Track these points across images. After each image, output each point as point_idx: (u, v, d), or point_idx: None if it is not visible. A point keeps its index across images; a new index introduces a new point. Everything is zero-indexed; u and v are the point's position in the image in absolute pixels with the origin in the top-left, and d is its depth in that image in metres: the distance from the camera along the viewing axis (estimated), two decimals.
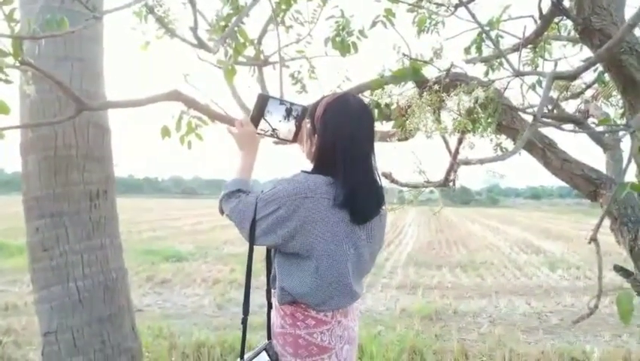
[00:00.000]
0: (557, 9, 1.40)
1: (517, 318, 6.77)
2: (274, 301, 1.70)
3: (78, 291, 2.52)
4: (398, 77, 1.52)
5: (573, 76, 1.15)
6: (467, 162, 0.67)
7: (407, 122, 0.74)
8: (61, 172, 2.49)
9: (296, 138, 1.78)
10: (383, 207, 1.74)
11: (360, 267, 1.69)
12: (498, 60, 2.61)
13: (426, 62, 1.65)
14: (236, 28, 1.71)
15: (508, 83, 1.69)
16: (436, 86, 1.44)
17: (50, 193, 2.48)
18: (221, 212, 1.73)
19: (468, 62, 1.96)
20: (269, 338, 1.76)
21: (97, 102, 2.28)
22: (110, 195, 2.68)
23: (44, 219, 2.49)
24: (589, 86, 2.71)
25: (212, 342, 4.96)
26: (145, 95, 1.68)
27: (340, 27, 2.09)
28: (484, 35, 2.81)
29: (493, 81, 1.49)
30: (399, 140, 0.98)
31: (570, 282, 9.38)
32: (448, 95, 0.85)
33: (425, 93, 1.21)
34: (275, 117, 1.76)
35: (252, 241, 1.60)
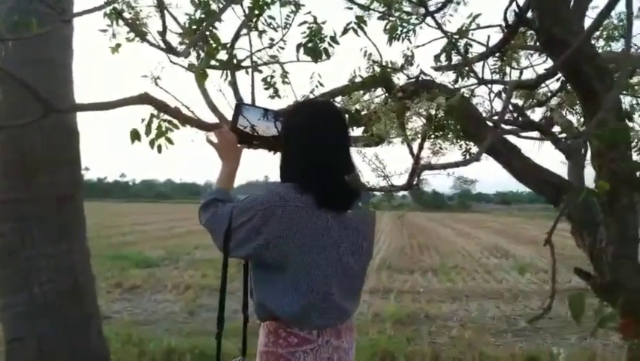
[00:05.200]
0: (520, 20, 1.45)
1: (486, 321, 6.88)
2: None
3: (44, 296, 2.46)
4: (368, 84, 1.55)
5: (534, 85, 1.19)
6: (430, 167, 0.69)
7: (373, 128, 0.76)
8: (28, 175, 2.44)
9: (277, 146, 1.75)
10: (369, 215, 1.69)
11: (347, 281, 1.60)
12: (467, 68, 2.67)
13: (395, 70, 1.68)
14: (207, 33, 1.71)
15: (473, 90, 1.74)
16: (400, 93, 1.47)
17: (16, 197, 2.43)
18: (200, 222, 1.69)
19: (437, 69, 2.00)
20: (243, 353, 1.73)
21: (65, 105, 2.25)
22: (77, 199, 2.63)
23: (9, 223, 2.43)
24: (554, 95, 2.79)
25: (183, 348, 4.90)
26: (115, 97, 1.67)
27: (312, 33, 2.10)
28: (454, 43, 2.89)
29: (459, 89, 1.52)
30: (365, 145, 0.99)
31: (538, 285, 9.59)
32: (412, 102, 0.87)
33: (390, 100, 1.24)
34: (256, 125, 1.75)
35: (226, 252, 1.55)
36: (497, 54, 2.65)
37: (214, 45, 2.10)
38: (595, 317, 0.74)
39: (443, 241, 19.67)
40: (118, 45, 2.92)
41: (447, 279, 10.32)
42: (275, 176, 1.64)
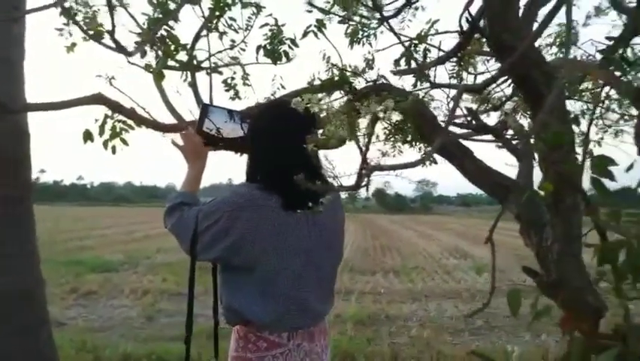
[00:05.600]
0: (473, 26, 1.49)
1: (445, 321, 7.02)
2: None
3: None
4: (327, 86, 1.56)
5: (481, 89, 1.23)
6: (379, 168, 0.71)
7: (326, 130, 0.77)
8: None
9: (243, 148, 1.74)
10: (338, 214, 1.69)
11: (318, 282, 1.60)
12: (424, 72, 2.73)
13: (355, 73, 1.71)
14: (164, 33, 1.68)
15: (426, 93, 1.78)
16: (353, 96, 1.49)
17: None
18: (165, 227, 1.66)
19: (395, 73, 2.04)
20: (216, 356, 1.71)
21: (18, 105, 2.17)
22: (26, 202, 2.54)
23: None
24: (508, 99, 2.88)
25: (139, 354, 4.79)
26: (68, 97, 1.63)
27: (273, 35, 2.11)
28: (412, 48, 2.95)
29: (410, 92, 1.56)
30: (319, 147, 1.00)
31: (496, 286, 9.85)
32: (362, 105, 0.89)
33: (338, 102, 1.26)
34: (222, 127, 1.74)
35: (193, 256, 1.53)
36: (455, 59, 2.72)
37: (173, 46, 2.07)
38: (531, 311, 0.77)
39: (405, 242, 19.95)
40: (73, 44, 2.84)
41: (408, 280, 10.47)
42: (240, 178, 1.64)
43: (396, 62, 2.93)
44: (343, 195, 2.27)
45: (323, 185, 0.80)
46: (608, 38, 1.68)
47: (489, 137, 2.21)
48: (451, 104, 2.69)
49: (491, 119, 3.28)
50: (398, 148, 3.69)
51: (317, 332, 1.61)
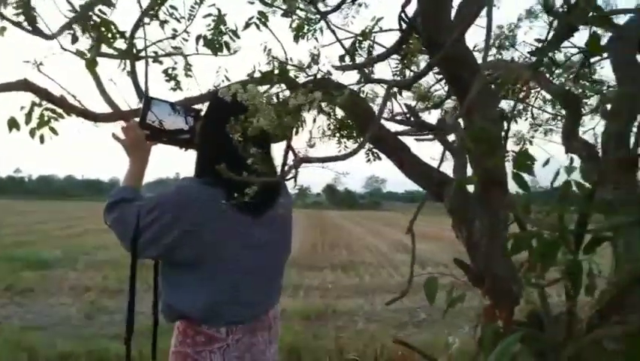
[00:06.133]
0: (408, 25, 1.53)
1: (390, 315, 7.16)
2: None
3: None
4: (266, 79, 1.56)
5: (409, 85, 1.26)
6: (307, 160, 0.71)
7: (250, 122, 0.76)
8: None
9: (188, 142, 1.69)
10: (286, 209, 1.66)
11: (263, 277, 1.58)
12: (370, 69, 2.77)
13: (297, 67, 1.71)
14: (97, 19, 1.62)
15: (360, 88, 1.81)
16: (277, 88, 1.50)
17: None
18: (106, 223, 1.59)
19: (337, 69, 2.05)
20: (153, 358, 1.68)
21: None
22: None
23: None
24: (447, 97, 2.96)
25: (78, 353, 4.63)
26: None
27: (215, 26, 2.07)
28: (357, 44, 2.98)
29: (346, 86, 1.58)
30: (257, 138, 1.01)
31: (438, 279, 10.14)
32: (289, 98, 0.89)
33: (264, 94, 1.25)
34: (166, 120, 1.69)
35: (134, 253, 1.48)
36: (399, 57, 2.77)
37: (108, 33, 2.00)
38: (446, 300, 0.80)
39: (354, 238, 20.20)
40: (3, 28, 2.69)
41: (355, 275, 10.62)
42: (186, 172, 1.60)
43: (342, 58, 2.96)
44: (292, 190, 2.27)
45: (249, 176, 0.79)
46: (538, 40, 1.76)
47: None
48: (394, 100, 2.75)
49: (433, 116, 3.38)
50: (344, 144, 3.73)
51: (259, 327, 1.58)
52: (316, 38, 2.75)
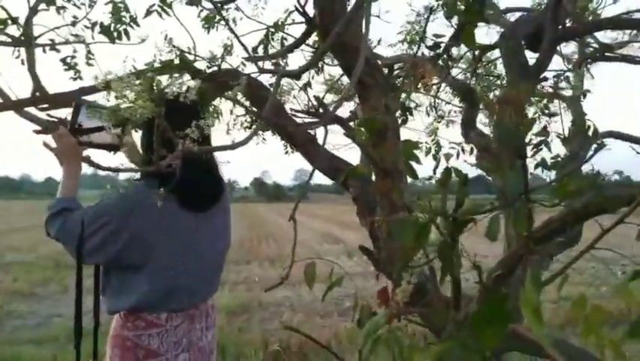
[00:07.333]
0: (304, 17, 1.55)
1: (316, 304, 7.26)
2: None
3: None
4: (165, 69, 1.52)
5: (298, 74, 1.28)
6: (190, 152, 0.70)
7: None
8: None
9: (119, 146, 1.64)
10: (226, 204, 1.75)
11: (205, 267, 1.66)
12: (284, 60, 2.78)
13: (199, 57, 1.68)
14: None
15: (252, 75, 1.81)
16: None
17: None
18: (48, 235, 1.61)
19: (247, 59, 2.04)
20: (94, 357, 1.68)
21: None
22: None
23: None
24: None
25: None
26: None
27: (113, 13, 1.99)
28: (270, 36, 2.98)
29: (248, 75, 1.58)
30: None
31: (363, 267, 10.40)
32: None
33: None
34: (95, 124, 1.66)
35: (80, 261, 1.53)
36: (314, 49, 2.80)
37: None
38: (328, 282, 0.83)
39: (281, 230, 20.22)
40: None
41: (282, 267, 10.63)
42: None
43: (254, 50, 2.95)
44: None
45: (128, 168, 0.77)
46: (436, 36, 1.84)
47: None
48: (305, 93, 2.77)
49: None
50: (261, 136, 3.72)
51: (198, 314, 1.66)
52: (231, 29, 2.72)
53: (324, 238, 16.64)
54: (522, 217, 0.63)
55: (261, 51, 2.90)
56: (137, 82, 0.66)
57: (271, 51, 2.86)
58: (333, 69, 3.51)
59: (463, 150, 2.47)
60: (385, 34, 3.18)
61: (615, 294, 0.53)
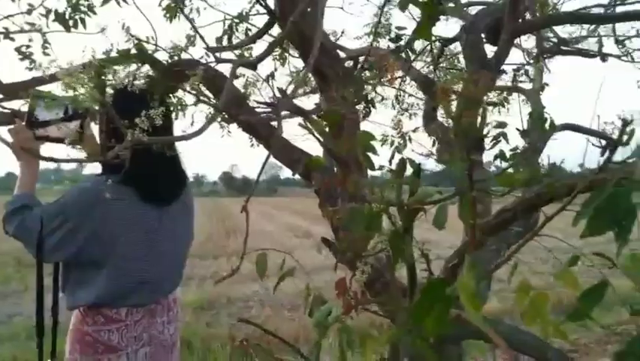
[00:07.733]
0: (265, 8, 1.54)
1: (284, 298, 7.25)
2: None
3: None
4: (122, 58, 1.48)
5: (254, 64, 1.27)
6: (139, 142, 0.68)
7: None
8: None
9: (82, 138, 1.63)
10: (188, 198, 1.75)
11: (166, 262, 1.65)
12: (248, 51, 2.75)
13: (160, 47, 1.64)
14: None
15: (212, 66, 1.79)
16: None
17: None
18: (7, 233, 1.57)
19: (209, 50, 2.01)
20: (52, 356, 1.64)
21: None
22: None
23: None
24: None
25: None
26: None
27: (70, 1, 1.92)
28: (234, 26, 2.95)
29: (205, 64, 1.56)
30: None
31: (331, 260, 10.38)
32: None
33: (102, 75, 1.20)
34: (52, 118, 1.61)
35: (40, 259, 1.50)
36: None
37: None
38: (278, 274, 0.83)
39: (250, 225, 20.07)
40: None
41: (250, 261, 10.58)
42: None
43: (219, 40, 2.91)
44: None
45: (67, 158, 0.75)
46: (398, 28, 1.85)
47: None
48: (267, 84, 2.75)
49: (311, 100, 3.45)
50: (227, 128, 3.68)
51: (159, 309, 1.65)
52: (191, 19, 2.68)
53: (293, 231, 16.63)
54: (466, 207, 0.64)
55: (225, 42, 2.87)
56: (81, 71, 0.63)
57: (235, 42, 2.82)
58: (299, 61, 3.51)
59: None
60: (354, 27, 3.19)
61: (555, 280, 0.55)
